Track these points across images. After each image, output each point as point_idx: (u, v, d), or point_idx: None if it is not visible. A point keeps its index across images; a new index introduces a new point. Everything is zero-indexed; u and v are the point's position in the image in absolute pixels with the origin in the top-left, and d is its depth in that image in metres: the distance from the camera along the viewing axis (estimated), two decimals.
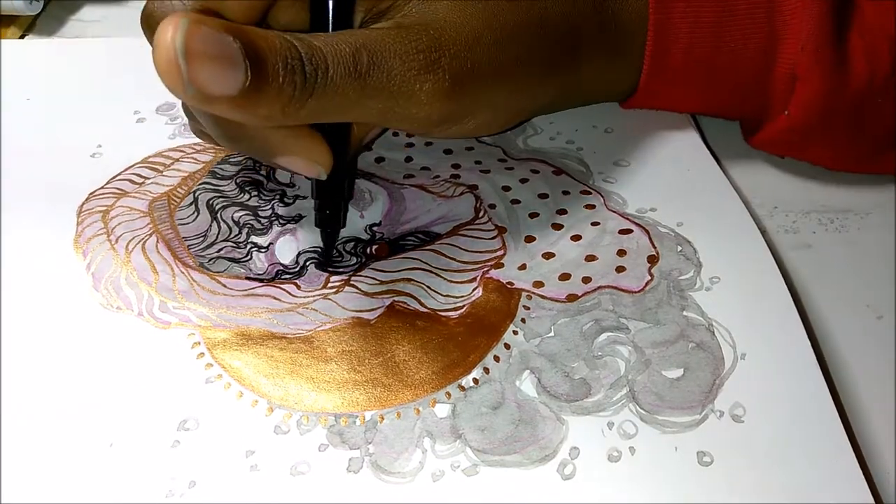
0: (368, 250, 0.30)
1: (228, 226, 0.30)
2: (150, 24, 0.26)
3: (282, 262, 0.29)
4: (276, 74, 0.21)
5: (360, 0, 0.27)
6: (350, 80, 0.23)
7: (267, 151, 0.25)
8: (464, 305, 0.28)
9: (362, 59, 0.23)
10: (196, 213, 0.31)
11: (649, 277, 0.29)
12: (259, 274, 0.29)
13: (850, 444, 0.25)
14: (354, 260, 0.29)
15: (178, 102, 0.34)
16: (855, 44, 0.31)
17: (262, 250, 0.30)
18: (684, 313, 0.28)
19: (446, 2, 0.27)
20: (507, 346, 0.27)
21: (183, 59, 0.19)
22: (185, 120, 0.34)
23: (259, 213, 0.31)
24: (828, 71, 0.31)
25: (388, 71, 0.24)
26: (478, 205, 0.32)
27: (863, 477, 0.24)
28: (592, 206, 0.32)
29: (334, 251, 0.30)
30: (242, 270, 0.29)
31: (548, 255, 0.30)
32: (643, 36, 0.32)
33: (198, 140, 0.34)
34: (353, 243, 0.30)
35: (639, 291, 0.29)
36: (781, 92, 0.32)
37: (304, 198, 0.32)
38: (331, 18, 0.26)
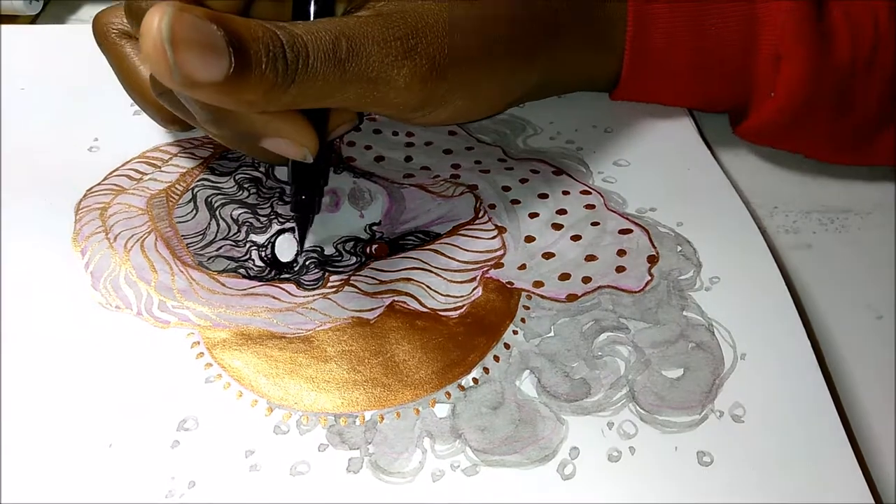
0: (368, 250, 0.30)
1: (227, 224, 0.30)
2: (134, 14, 0.26)
3: (281, 260, 0.29)
4: (258, 62, 0.22)
5: None
6: (330, 66, 0.24)
7: (254, 134, 0.25)
8: (464, 305, 0.28)
9: (341, 46, 0.24)
10: (195, 211, 0.31)
11: (649, 277, 0.29)
12: (258, 273, 0.29)
13: (849, 444, 0.25)
14: (354, 259, 0.29)
15: None
16: (838, 19, 0.31)
17: (262, 249, 0.30)
18: (684, 313, 0.28)
19: None
20: (507, 346, 0.27)
21: (169, 46, 0.20)
22: None
23: (258, 210, 0.31)
24: (811, 48, 0.31)
25: (367, 57, 0.24)
26: (478, 205, 0.32)
27: (862, 477, 0.24)
28: (592, 206, 0.32)
29: (333, 249, 0.30)
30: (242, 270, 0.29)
31: (548, 255, 0.30)
32: (624, 21, 0.32)
33: (195, 134, 0.33)
34: (352, 243, 0.30)
35: (639, 291, 0.29)
36: (766, 74, 0.32)
37: None
38: (312, 10, 0.27)
